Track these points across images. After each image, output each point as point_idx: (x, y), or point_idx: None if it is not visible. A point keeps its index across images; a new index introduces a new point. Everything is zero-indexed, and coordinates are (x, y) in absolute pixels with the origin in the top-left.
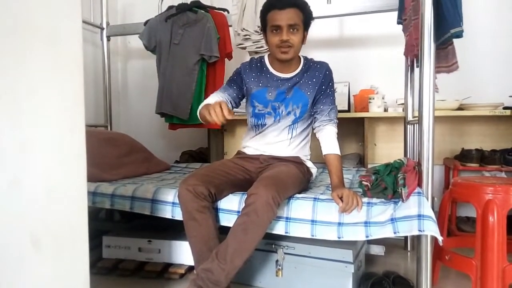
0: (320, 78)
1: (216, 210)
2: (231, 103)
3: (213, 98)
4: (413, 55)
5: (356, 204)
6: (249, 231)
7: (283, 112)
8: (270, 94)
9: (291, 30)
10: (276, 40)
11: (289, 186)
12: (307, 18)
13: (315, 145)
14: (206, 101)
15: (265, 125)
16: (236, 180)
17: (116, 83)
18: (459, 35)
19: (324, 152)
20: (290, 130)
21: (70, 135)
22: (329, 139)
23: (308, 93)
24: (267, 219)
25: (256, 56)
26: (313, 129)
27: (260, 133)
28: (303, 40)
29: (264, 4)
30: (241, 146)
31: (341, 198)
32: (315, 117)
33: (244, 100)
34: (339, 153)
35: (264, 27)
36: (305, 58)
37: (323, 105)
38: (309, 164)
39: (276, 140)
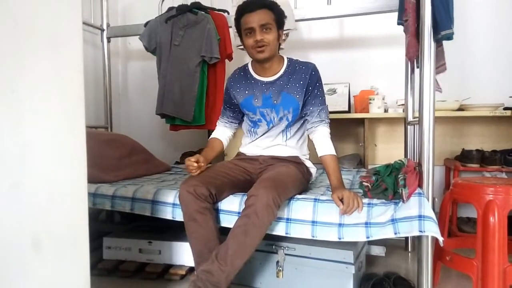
0: (306, 79)
1: (216, 211)
2: (234, 123)
3: (216, 131)
4: (414, 56)
5: (357, 206)
6: (249, 233)
7: (275, 119)
8: (256, 100)
9: (264, 29)
10: (251, 42)
11: (289, 187)
12: (278, 16)
13: (313, 146)
14: (212, 135)
15: (259, 132)
16: (236, 181)
17: (117, 84)
18: (449, 37)
19: (319, 154)
20: (284, 134)
21: (71, 136)
22: (322, 140)
23: (297, 96)
24: (267, 221)
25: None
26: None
27: (255, 140)
28: (279, 38)
29: (235, 11)
30: (240, 148)
31: (341, 200)
32: (306, 119)
33: None
34: (334, 153)
35: (240, 33)
36: (289, 60)
37: (312, 106)
38: (309, 164)
39: (271, 145)
